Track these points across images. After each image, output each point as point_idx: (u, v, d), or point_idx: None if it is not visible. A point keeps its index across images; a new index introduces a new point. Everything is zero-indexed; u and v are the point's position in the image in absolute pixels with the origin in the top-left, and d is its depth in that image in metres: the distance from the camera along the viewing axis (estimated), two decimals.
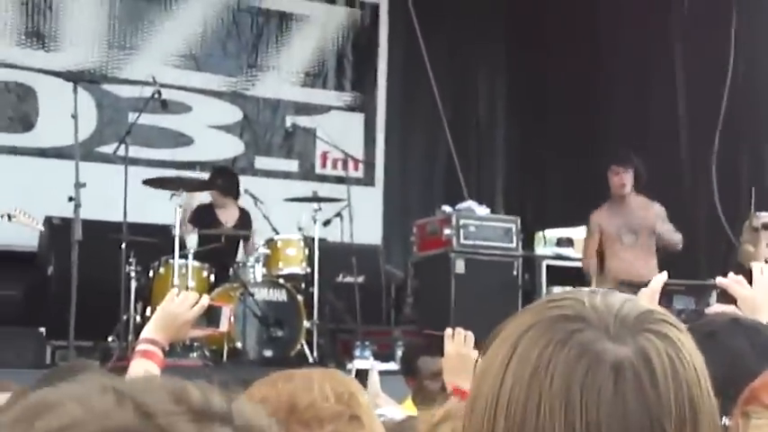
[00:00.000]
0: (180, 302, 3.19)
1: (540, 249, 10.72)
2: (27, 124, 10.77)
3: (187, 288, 8.25)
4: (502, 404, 1.15)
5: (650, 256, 8.84)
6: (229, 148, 11.69)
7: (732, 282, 2.80)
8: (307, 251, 9.16)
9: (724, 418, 1.56)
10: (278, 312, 8.83)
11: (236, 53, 11.86)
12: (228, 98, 11.78)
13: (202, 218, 9.35)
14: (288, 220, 9.38)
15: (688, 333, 1.19)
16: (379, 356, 8.51)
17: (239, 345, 8.60)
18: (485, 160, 12.91)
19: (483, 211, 10.43)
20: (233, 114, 11.82)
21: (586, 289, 1.21)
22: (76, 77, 9.15)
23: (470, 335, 3.56)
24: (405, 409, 5.54)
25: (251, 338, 8.71)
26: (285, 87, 12.05)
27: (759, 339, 2.19)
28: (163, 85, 9.04)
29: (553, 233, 10.82)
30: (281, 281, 9.00)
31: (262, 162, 11.86)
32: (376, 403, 5.40)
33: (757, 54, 10.78)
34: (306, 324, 8.90)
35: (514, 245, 10.09)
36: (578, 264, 9.54)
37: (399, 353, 8.80)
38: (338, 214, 9.46)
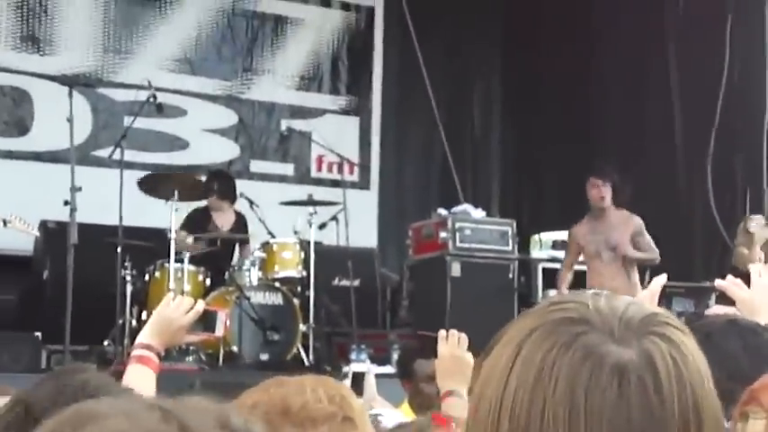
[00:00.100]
0: (175, 307, 3.18)
1: (535, 252, 10.71)
2: (22, 128, 10.77)
3: (183, 292, 8.24)
4: (506, 407, 1.14)
5: (632, 269, 8.83)
6: (225, 151, 11.69)
7: (730, 284, 2.81)
8: (302, 254, 9.16)
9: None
10: (274, 316, 8.82)
11: (231, 57, 11.86)
12: (224, 102, 11.78)
13: (198, 221, 9.34)
14: (283, 224, 9.37)
15: (692, 336, 1.19)
16: (374, 360, 8.50)
17: (235, 348, 8.59)
18: (480, 163, 12.92)
19: (479, 214, 10.44)
20: (228, 118, 11.82)
21: (590, 291, 1.21)
22: (72, 81, 9.12)
23: (464, 337, 3.56)
24: (401, 412, 5.54)
25: (247, 342, 8.71)
26: (280, 91, 12.05)
27: (754, 341, 2.19)
28: (158, 89, 9.04)
29: (549, 236, 10.81)
30: (277, 284, 8.99)
31: (257, 165, 11.85)
32: (372, 406, 5.40)
33: (752, 54, 10.79)
34: (302, 327, 8.90)
35: (510, 248, 10.09)
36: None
37: (395, 356, 8.80)
38: (334, 217, 9.46)
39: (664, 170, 11.15)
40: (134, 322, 8.50)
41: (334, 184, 10.96)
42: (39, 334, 8.60)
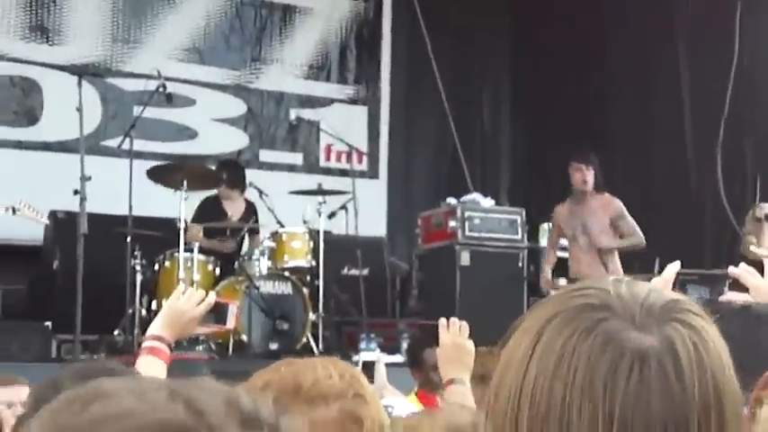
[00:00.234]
0: (186, 299, 3.18)
1: (545, 241, 10.70)
2: (32, 118, 10.78)
3: (192, 281, 8.26)
4: (526, 393, 1.14)
5: (610, 258, 8.83)
6: (234, 141, 11.69)
7: (744, 271, 2.81)
8: (311, 244, 9.17)
9: None
10: (283, 305, 8.83)
11: (240, 46, 11.86)
12: (232, 91, 11.78)
13: (210, 210, 9.35)
14: (292, 213, 9.37)
15: (713, 323, 1.19)
16: (384, 349, 8.52)
17: (245, 338, 8.61)
18: (489, 152, 12.91)
19: (488, 202, 10.44)
20: (237, 107, 11.82)
21: (611, 278, 1.20)
22: (81, 71, 9.12)
23: (465, 325, 3.58)
24: (409, 401, 5.55)
25: (256, 331, 8.72)
26: (289, 80, 12.04)
27: (754, 327, 2.19)
28: (167, 79, 9.04)
29: None
30: (287, 274, 9.00)
31: (266, 155, 11.86)
32: (382, 394, 5.40)
33: (762, 42, 10.76)
34: (311, 317, 8.91)
35: (519, 236, 10.09)
36: None
37: (405, 345, 8.81)
38: (343, 207, 9.46)
39: (673, 158, 11.14)
40: (144, 312, 8.52)
41: (343, 173, 10.95)
42: (49, 323, 8.62)
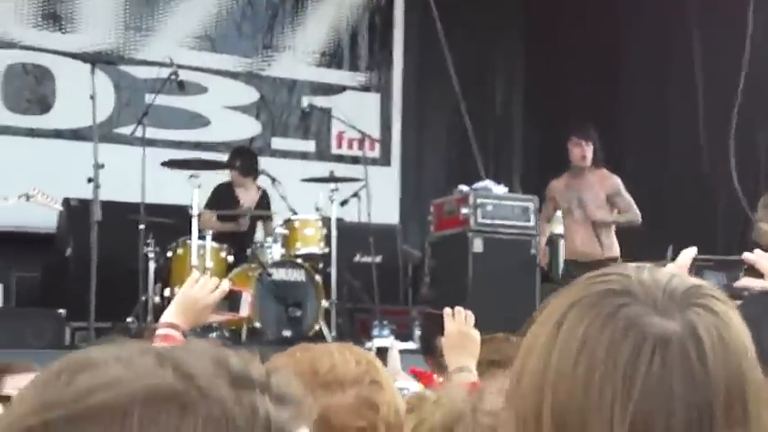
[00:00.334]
0: (200, 287, 3.17)
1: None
2: (45, 106, 10.79)
3: (205, 269, 8.27)
4: (549, 379, 1.14)
5: (605, 233, 8.86)
6: (246, 128, 11.69)
7: (759, 257, 2.80)
8: (324, 231, 9.17)
9: None
10: (296, 292, 8.84)
11: (252, 33, 11.85)
12: (244, 79, 11.78)
13: (223, 197, 9.36)
14: (305, 201, 9.38)
15: (735, 308, 1.19)
16: (397, 336, 8.52)
17: (258, 325, 8.61)
18: (502, 138, 12.89)
19: (500, 189, 10.39)
20: (249, 95, 11.82)
21: (632, 264, 1.20)
22: (94, 59, 9.15)
23: (470, 314, 3.60)
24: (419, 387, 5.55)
25: (269, 318, 8.73)
26: (301, 67, 12.03)
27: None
28: (179, 67, 9.05)
29: None
30: (299, 261, 9.00)
31: (278, 143, 11.86)
32: (396, 380, 5.41)
33: None
34: (324, 304, 8.92)
35: (532, 223, 10.05)
36: None
37: (417, 332, 8.82)
38: (355, 194, 9.46)
39: (687, 145, 11.11)
40: (157, 299, 8.54)
41: (355, 160, 10.95)
42: (63, 311, 8.65)
